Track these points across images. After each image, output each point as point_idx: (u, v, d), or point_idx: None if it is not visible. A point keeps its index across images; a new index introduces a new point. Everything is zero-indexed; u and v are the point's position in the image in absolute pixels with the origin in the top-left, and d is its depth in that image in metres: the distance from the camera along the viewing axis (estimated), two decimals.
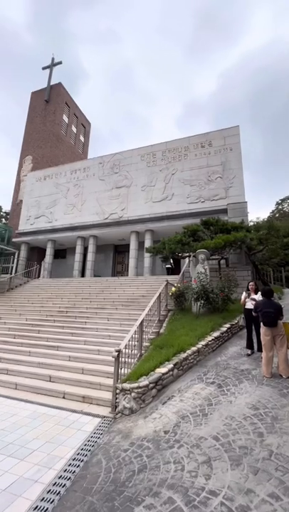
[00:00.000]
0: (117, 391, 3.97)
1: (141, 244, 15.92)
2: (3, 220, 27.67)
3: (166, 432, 3.06)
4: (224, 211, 13.37)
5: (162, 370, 4.25)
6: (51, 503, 2.22)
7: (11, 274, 17.28)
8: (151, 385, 3.90)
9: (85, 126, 29.48)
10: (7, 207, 27.89)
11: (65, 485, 2.43)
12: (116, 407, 3.93)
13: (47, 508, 2.16)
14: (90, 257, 16.81)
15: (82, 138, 28.82)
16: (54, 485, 2.44)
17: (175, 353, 4.86)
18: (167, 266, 15.34)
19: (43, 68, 27.29)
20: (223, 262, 11.41)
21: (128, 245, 16.66)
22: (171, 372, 4.36)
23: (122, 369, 4.29)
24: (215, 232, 10.44)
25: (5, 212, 28.88)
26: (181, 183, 15.23)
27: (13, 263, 19.16)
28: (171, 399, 3.85)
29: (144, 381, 3.89)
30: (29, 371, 5.43)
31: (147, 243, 15.10)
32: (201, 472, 2.29)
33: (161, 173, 15.88)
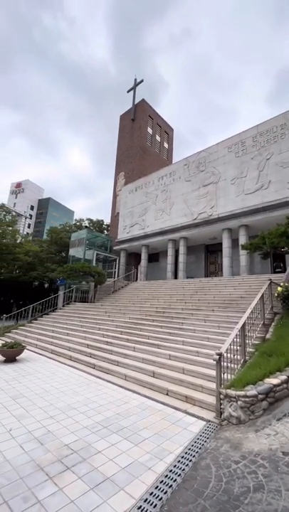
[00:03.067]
0: (221, 396, 3.78)
1: (235, 241, 14.79)
2: (105, 231, 32.10)
3: (285, 454, 2.65)
4: None
5: (273, 380, 3.73)
6: (165, 493, 2.32)
7: (114, 278, 19.75)
8: (260, 396, 3.49)
9: (168, 132, 30.45)
10: (108, 220, 32.25)
11: (176, 480, 2.49)
12: (221, 413, 3.73)
13: (161, 498, 2.27)
14: (181, 258, 17.02)
15: (166, 144, 29.87)
16: (166, 477, 2.54)
17: (288, 363, 4.18)
18: (278, 270, 13.65)
19: (128, 91, 30.16)
20: None
21: (220, 244, 15.83)
22: (285, 385, 3.76)
23: (224, 374, 4.05)
24: None
25: (106, 225, 33.46)
26: (280, 168, 13.20)
27: (115, 268, 21.86)
28: (288, 416, 3.32)
29: (251, 390, 3.53)
30: (135, 365, 5.97)
31: (242, 240, 13.86)
32: None
33: (253, 160, 14.30)
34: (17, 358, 7.39)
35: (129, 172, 25.95)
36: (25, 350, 7.76)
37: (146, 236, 19.58)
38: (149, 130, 27.52)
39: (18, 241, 22.72)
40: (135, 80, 29.69)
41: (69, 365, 6.79)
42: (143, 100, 27.80)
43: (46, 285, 26.19)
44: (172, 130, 31.40)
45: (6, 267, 22.07)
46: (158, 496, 2.29)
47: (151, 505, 2.19)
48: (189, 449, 3.05)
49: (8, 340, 8.50)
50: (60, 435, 3.31)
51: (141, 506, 2.18)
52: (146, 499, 2.26)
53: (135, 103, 28.26)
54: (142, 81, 29.65)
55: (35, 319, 13.26)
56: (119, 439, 3.26)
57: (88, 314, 11.79)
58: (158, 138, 28.72)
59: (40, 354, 8.15)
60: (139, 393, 4.85)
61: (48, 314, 13.74)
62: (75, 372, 6.22)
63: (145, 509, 2.14)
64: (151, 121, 28.04)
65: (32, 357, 7.77)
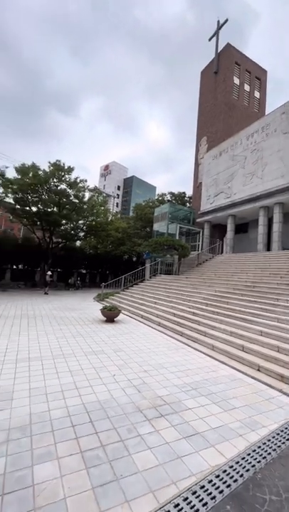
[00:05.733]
0: None
1: None
2: (188, 204, 31.35)
3: None
4: None
5: None
6: (258, 462, 2.28)
7: (198, 251, 19.44)
8: None
9: (259, 78, 25.52)
10: (189, 192, 31.23)
11: (270, 453, 2.40)
12: None
13: (254, 465, 2.25)
14: (276, 227, 14.86)
15: (257, 94, 25.28)
16: (259, 448, 2.49)
17: None
18: None
19: (210, 39, 26.45)
20: None
21: None
22: None
23: None
24: None
25: (188, 197, 32.55)
26: None
27: (198, 241, 21.42)
28: None
29: None
30: (222, 337, 5.89)
31: None
32: None
33: None
34: (114, 319, 8.61)
35: (212, 135, 23.71)
36: (120, 313, 8.92)
37: (233, 205, 17.97)
38: (236, 80, 23.78)
39: (109, 219, 25.32)
40: (218, 22, 25.63)
41: (158, 330, 7.39)
42: (228, 45, 23.94)
43: (134, 258, 28.60)
44: (265, 73, 26.08)
45: (101, 243, 25.25)
46: (251, 462, 2.29)
47: (243, 468, 2.21)
48: (286, 427, 2.85)
49: (107, 305, 9.95)
50: (154, 387, 3.72)
51: (233, 466, 2.24)
52: (238, 462, 2.29)
53: (218, 52, 24.69)
54: (226, 21, 25.34)
55: (127, 288, 14.89)
56: (208, 401, 3.38)
57: (173, 286, 12.24)
58: (247, 87, 24.56)
59: (132, 318, 9.20)
60: (227, 364, 4.81)
61: (137, 284, 15.14)
62: (163, 337, 6.73)
63: (237, 470, 2.19)
64: (238, 68, 24.03)
65: (126, 320, 8.88)
